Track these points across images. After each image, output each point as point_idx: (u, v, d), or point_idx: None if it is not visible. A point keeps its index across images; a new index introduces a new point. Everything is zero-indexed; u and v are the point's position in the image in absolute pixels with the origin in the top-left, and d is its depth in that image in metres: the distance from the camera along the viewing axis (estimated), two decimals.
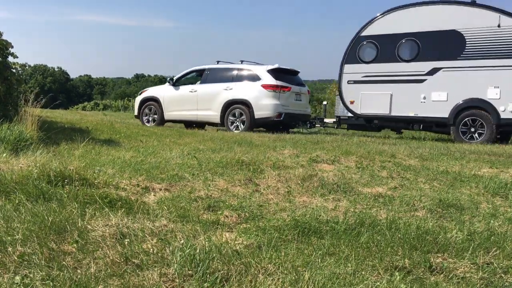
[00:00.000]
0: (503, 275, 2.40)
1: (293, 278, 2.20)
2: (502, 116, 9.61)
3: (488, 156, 6.80)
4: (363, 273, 2.33)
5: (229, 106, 11.71)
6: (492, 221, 3.34)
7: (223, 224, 3.13)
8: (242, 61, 12.40)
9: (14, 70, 8.28)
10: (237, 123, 11.58)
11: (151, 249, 2.49)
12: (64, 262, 2.32)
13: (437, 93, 10.33)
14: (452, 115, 10.10)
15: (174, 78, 12.98)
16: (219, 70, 12.38)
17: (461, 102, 10.03)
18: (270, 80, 11.39)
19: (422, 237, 2.83)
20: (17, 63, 8.49)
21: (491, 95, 9.71)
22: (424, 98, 10.46)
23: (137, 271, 2.26)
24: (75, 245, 2.55)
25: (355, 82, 11.41)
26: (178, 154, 5.95)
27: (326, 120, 13.30)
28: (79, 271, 2.25)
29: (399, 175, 5.02)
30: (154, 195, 3.77)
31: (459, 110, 10.06)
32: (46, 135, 6.68)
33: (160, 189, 3.93)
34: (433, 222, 3.25)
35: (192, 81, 13.14)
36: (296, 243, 2.79)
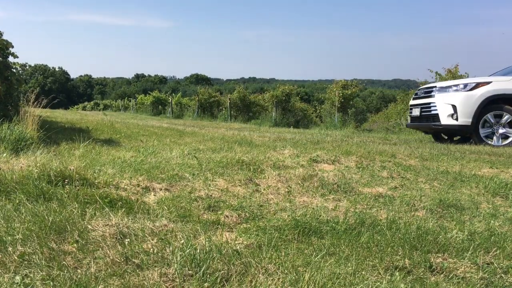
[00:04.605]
0: (503, 275, 2.40)
1: (293, 278, 2.20)
2: None
3: (488, 156, 6.79)
4: (363, 273, 2.33)
5: None
6: (492, 221, 3.34)
7: (223, 224, 3.12)
8: None
9: (14, 70, 8.29)
10: None
11: (151, 249, 2.49)
12: (64, 262, 2.32)
13: None
14: None
15: None
16: None
17: None
18: None
19: (422, 237, 2.83)
20: (18, 63, 8.51)
21: None
22: None
23: (137, 271, 2.26)
24: (75, 245, 2.55)
25: None
26: (178, 154, 5.95)
27: None
28: (79, 271, 2.25)
29: (400, 175, 5.01)
30: (154, 195, 3.77)
31: None
32: (46, 135, 6.68)
33: (160, 189, 3.93)
34: (433, 222, 3.25)
35: None
36: (296, 243, 2.79)
